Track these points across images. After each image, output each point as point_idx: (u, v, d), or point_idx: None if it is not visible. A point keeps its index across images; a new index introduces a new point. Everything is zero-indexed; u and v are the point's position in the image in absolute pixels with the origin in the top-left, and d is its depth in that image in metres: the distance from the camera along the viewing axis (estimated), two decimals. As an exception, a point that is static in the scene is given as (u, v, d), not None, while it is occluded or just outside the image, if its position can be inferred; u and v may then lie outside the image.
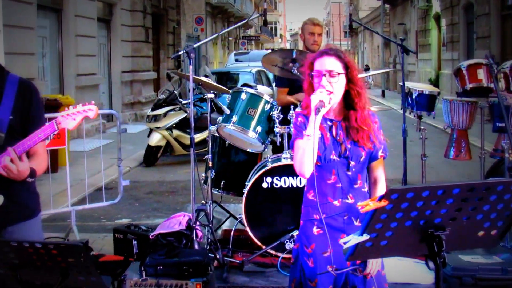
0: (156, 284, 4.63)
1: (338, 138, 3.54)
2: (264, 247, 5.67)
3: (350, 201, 3.52)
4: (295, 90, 6.37)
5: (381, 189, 3.66)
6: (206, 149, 6.56)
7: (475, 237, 2.73)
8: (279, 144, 6.00)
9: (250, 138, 5.98)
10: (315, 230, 3.54)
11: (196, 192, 5.97)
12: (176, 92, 13.10)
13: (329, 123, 3.56)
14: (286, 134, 5.87)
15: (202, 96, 12.30)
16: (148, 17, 22.14)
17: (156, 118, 12.85)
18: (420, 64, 33.32)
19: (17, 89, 3.49)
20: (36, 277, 2.90)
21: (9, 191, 3.45)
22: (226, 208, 6.80)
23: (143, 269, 4.80)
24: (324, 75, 3.46)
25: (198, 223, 5.77)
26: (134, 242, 5.82)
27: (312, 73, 3.52)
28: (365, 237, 2.52)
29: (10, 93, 3.46)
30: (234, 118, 5.91)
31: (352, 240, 2.54)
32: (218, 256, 5.47)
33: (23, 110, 3.50)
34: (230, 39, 48.50)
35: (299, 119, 3.57)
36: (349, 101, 3.56)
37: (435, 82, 27.00)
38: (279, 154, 5.98)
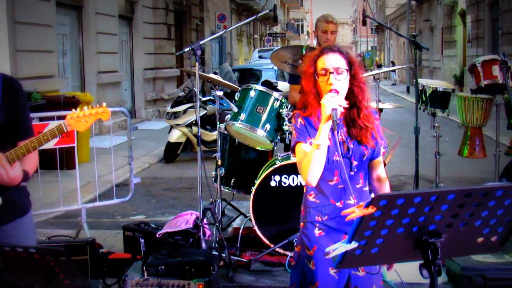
0: (157, 284, 4.62)
1: (340, 137, 3.44)
2: (272, 246, 5.61)
3: (352, 201, 3.43)
4: None
5: (386, 187, 3.59)
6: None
7: (474, 244, 2.61)
8: (288, 142, 5.93)
9: (258, 136, 5.91)
10: (316, 232, 3.46)
11: (209, 189, 5.93)
12: (195, 89, 13.07)
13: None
14: (295, 132, 5.79)
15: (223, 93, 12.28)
16: (170, 14, 22.15)
17: (175, 115, 12.87)
18: (445, 61, 33.10)
19: (2, 85, 3.41)
20: (21, 281, 2.85)
21: (3, 191, 3.42)
22: (235, 206, 6.75)
23: (144, 268, 4.74)
24: (332, 72, 3.35)
25: (205, 221, 5.73)
26: (142, 241, 5.78)
27: (318, 71, 3.41)
28: (354, 245, 2.41)
29: None
30: (242, 116, 5.85)
31: (339, 248, 2.43)
32: (224, 255, 5.41)
33: (9, 107, 3.42)
34: (255, 36, 48.42)
35: (299, 120, 3.47)
36: (352, 99, 3.45)
37: (460, 79, 26.80)
38: (289, 152, 5.90)
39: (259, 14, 6.86)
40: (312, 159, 3.25)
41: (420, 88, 6.54)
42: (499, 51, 5.46)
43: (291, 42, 70.87)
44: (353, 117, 3.46)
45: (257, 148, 6.22)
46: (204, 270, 4.72)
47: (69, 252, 2.70)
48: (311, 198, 3.53)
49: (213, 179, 6.41)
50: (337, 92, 3.29)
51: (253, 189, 5.68)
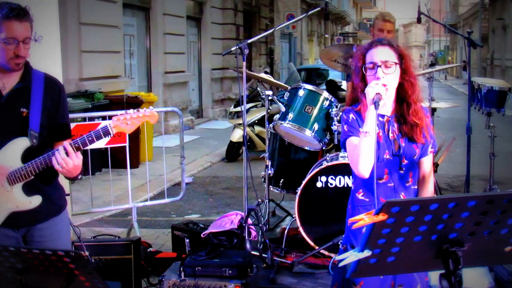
0: (194, 285, 4.60)
1: (391, 135, 3.37)
2: (317, 247, 5.50)
3: None
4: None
5: (429, 187, 3.51)
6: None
7: (501, 253, 2.43)
8: (336, 143, 5.81)
9: (306, 136, 5.81)
10: (364, 230, 3.39)
11: (254, 190, 5.88)
12: (259, 89, 13.05)
13: (381, 119, 3.37)
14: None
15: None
16: (239, 14, 22.23)
17: (238, 115, 12.88)
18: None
19: (44, 86, 3.46)
20: (42, 282, 2.84)
21: (43, 190, 3.46)
22: (283, 207, 6.67)
23: (182, 269, 4.71)
24: (380, 66, 3.28)
25: (251, 222, 5.67)
26: (187, 240, 5.77)
27: (366, 65, 3.34)
28: (367, 253, 2.27)
29: (38, 91, 3.44)
30: (290, 116, 5.76)
31: (350, 257, 2.30)
32: (266, 257, 5.34)
33: (51, 108, 3.47)
34: (326, 36, 48.12)
35: (350, 116, 3.41)
36: (402, 94, 3.39)
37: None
38: (338, 153, 5.78)
39: (310, 12, 6.72)
40: (361, 148, 3.20)
41: (475, 87, 6.32)
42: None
43: (362, 42, 70.16)
44: (403, 113, 3.39)
45: (306, 148, 6.12)
46: (241, 272, 4.65)
47: (85, 255, 2.65)
48: (359, 196, 3.47)
49: (262, 179, 6.35)
50: (384, 86, 3.21)
51: (299, 189, 5.60)
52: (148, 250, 5.99)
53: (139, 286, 5.15)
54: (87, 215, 7.90)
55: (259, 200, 6.16)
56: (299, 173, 6.13)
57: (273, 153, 6.34)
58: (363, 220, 2.22)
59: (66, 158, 3.26)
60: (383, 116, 3.38)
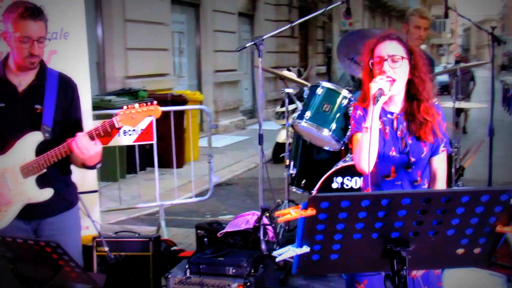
0: (199, 283, 4.63)
1: (398, 132, 3.33)
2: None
3: None
4: None
5: (439, 186, 3.45)
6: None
7: (454, 255, 2.37)
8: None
9: (324, 136, 5.65)
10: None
11: (271, 190, 5.79)
12: (305, 89, 12.92)
13: (389, 116, 3.36)
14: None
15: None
16: (294, 11, 22.04)
17: (284, 115, 12.73)
18: None
19: (58, 84, 3.60)
20: (34, 272, 2.98)
21: (55, 185, 3.58)
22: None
23: (187, 267, 4.72)
24: (386, 60, 3.23)
25: (267, 222, 5.56)
26: (205, 240, 5.76)
27: (372, 60, 3.29)
28: (306, 249, 2.26)
29: (52, 88, 3.57)
30: (308, 114, 5.62)
31: (287, 252, 2.29)
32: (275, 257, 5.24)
33: (64, 105, 3.61)
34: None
35: (358, 112, 3.38)
36: (412, 91, 3.34)
37: None
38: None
39: (329, 7, 6.55)
40: (362, 143, 3.17)
41: (505, 87, 6.04)
42: None
43: (431, 41, 68.92)
44: (412, 111, 3.33)
45: (325, 148, 5.95)
46: (245, 272, 4.61)
47: (59, 245, 2.78)
48: None
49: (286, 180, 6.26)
50: (390, 81, 3.19)
51: (313, 191, 5.46)
52: (172, 249, 6.02)
53: (158, 283, 5.18)
54: (124, 213, 8.00)
55: (278, 200, 6.04)
56: (321, 174, 5.98)
57: (296, 153, 6.22)
58: (289, 214, 2.19)
59: (88, 143, 3.36)
60: (392, 113, 3.36)
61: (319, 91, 5.69)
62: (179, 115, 9.43)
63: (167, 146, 7.33)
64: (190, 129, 11.01)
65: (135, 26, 12.25)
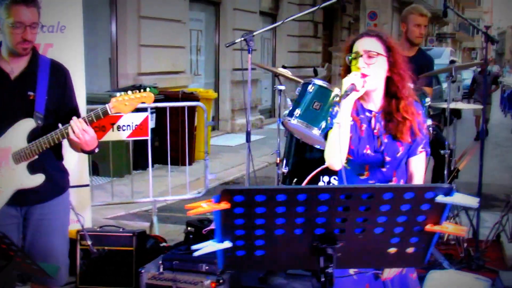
0: (172, 279, 4.62)
1: (375, 131, 3.28)
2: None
3: None
4: None
5: None
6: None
7: (385, 255, 2.30)
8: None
9: (314, 134, 5.53)
10: None
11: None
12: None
13: (367, 114, 3.31)
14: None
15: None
16: (319, 11, 21.88)
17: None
18: None
19: (50, 71, 3.65)
20: None
21: (46, 170, 3.64)
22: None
23: (160, 262, 4.72)
24: (361, 56, 3.19)
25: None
26: (190, 236, 5.73)
27: (348, 56, 3.25)
28: (227, 244, 2.18)
29: (44, 75, 3.63)
30: (297, 112, 5.49)
31: (207, 247, 2.19)
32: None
33: (57, 92, 3.67)
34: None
35: (336, 108, 3.29)
36: (391, 89, 3.28)
37: None
38: (350, 152, 5.49)
39: (323, 5, 6.43)
40: (331, 138, 3.14)
41: (503, 88, 5.87)
42: None
43: (463, 45, 68.19)
44: (391, 110, 3.27)
45: (316, 146, 5.83)
46: (218, 268, 4.53)
47: (6, 235, 2.73)
48: None
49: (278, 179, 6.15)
50: (364, 77, 3.14)
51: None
52: (162, 245, 5.97)
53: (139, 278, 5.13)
54: (124, 209, 7.98)
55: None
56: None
57: (289, 152, 6.11)
58: (201, 207, 2.11)
59: (85, 129, 3.45)
60: (370, 111, 3.30)
61: (310, 88, 5.55)
62: (190, 113, 9.31)
63: (176, 143, 7.30)
64: (201, 127, 10.92)
65: (150, 23, 12.21)
